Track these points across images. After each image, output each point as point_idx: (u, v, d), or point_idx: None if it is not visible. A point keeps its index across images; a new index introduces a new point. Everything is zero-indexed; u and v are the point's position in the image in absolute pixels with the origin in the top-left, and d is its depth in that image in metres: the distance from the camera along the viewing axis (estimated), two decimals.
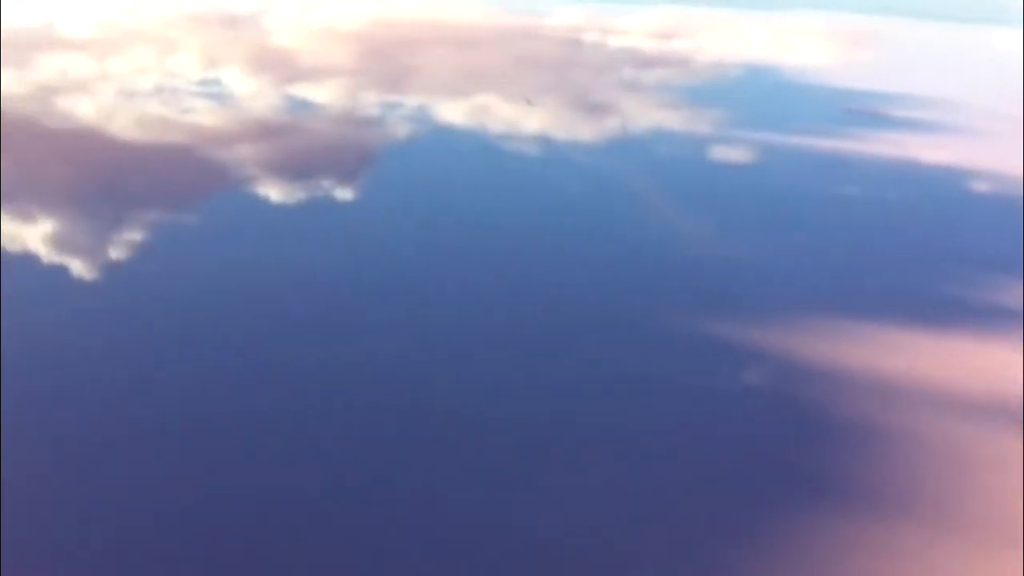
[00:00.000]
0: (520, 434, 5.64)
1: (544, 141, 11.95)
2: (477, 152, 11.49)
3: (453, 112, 12.92)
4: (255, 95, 12.86)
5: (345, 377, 6.19)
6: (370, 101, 13.08)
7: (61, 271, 7.40)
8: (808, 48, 21.56)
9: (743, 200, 10.09)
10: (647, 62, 17.29)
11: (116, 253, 7.80)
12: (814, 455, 5.51)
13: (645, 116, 13.51)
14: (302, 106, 12.58)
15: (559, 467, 5.33)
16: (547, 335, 6.87)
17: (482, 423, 5.72)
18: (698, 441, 5.61)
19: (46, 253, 7.66)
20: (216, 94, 12.73)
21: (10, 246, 7.77)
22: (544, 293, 7.56)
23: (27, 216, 8.29)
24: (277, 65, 14.42)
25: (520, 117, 12.97)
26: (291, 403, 5.84)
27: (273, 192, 9.37)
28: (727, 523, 4.92)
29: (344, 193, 9.56)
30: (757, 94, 15.92)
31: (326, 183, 9.75)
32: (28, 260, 7.55)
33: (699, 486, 5.22)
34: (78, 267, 7.46)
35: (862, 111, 14.65)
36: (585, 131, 12.56)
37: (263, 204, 9.11)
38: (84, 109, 11.53)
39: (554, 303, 7.40)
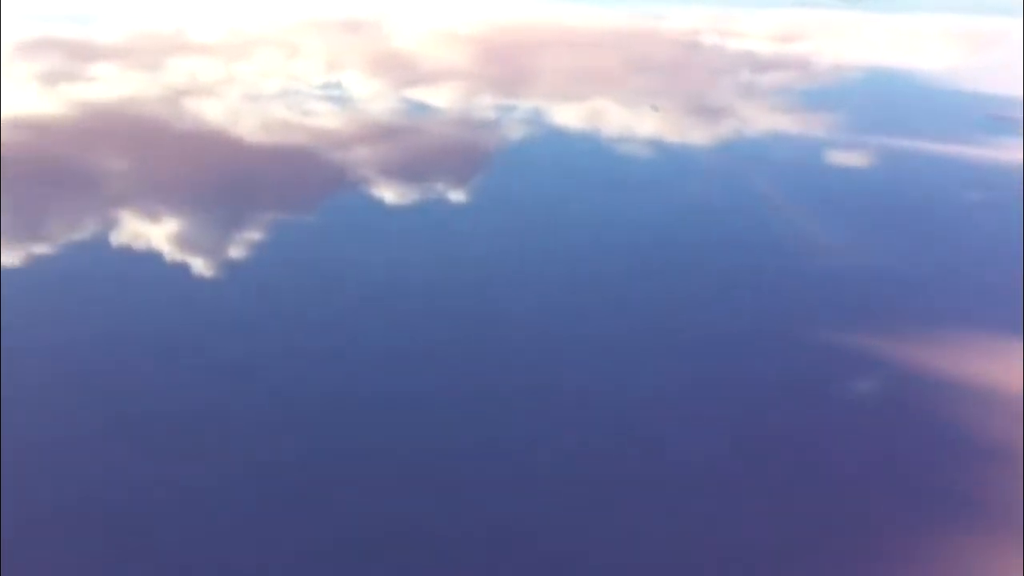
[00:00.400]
0: (640, 439, 5.69)
1: (660, 145, 11.93)
2: (592, 155, 11.52)
3: (568, 115, 12.99)
4: (374, 98, 13.12)
5: (454, 378, 6.31)
6: (486, 104, 13.23)
7: (183, 268, 7.69)
8: (936, 50, 21.11)
9: (868, 206, 9.92)
10: (766, 65, 17.14)
11: (236, 252, 8.07)
12: (950, 472, 5.40)
13: (764, 120, 13.40)
14: (419, 109, 12.78)
15: (683, 479, 5.35)
16: (666, 343, 6.89)
17: (598, 432, 5.78)
18: (829, 457, 5.57)
19: (169, 251, 7.96)
20: (337, 97, 13.03)
21: (136, 244, 8.10)
22: (662, 300, 7.57)
23: (153, 215, 8.62)
24: (396, 69, 14.68)
25: (636, 121, 12.98)
26: (398, 401, 5.98)
27: (388, 193, 9.56)
28: (860, 539, 4.89)
29: (458, 195, 9.71)
30: (882, 98, 15.63)
31: (440, 185, 9.92)
32: (151, 258, 7.86)
33: (830, 502, 5.21)
34: (199, 265, 7.74)
35: (1001, 116, 14.22)
36: (702, 135, 12.51)
37: (378, 205, 9.31)
38: (211, 112, 11.90)
39: (672, 309, 7.41)
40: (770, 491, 5.22)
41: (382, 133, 11.42)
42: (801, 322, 7.19)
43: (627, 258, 8.36)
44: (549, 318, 7.15)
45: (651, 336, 6.93)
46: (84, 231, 8.36)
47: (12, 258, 7.72)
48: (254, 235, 8.41)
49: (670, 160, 11.44)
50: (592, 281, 7.84)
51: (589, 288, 7.69)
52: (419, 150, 10.96)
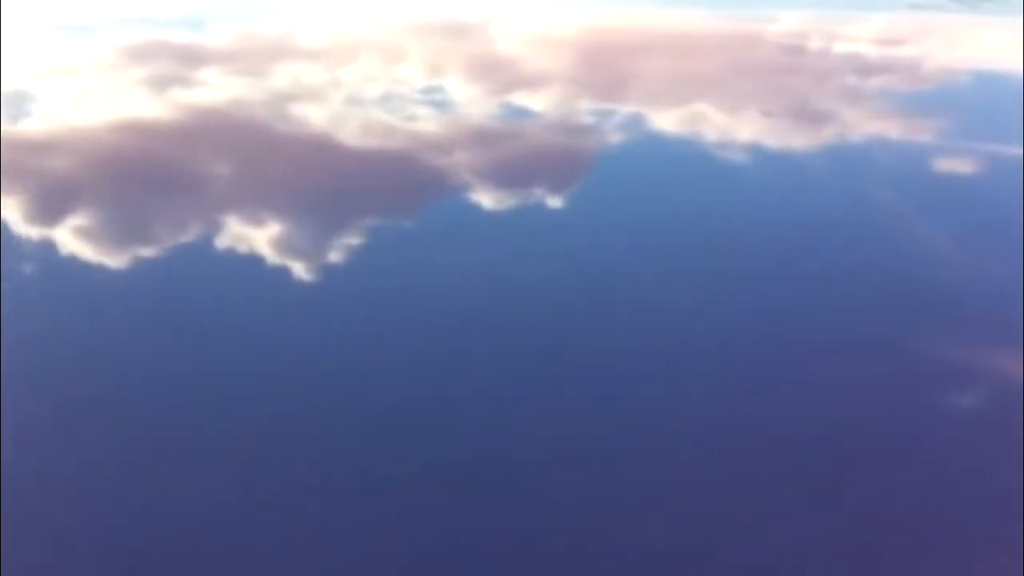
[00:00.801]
0: (747, 458, 5.64)
1: (761, 150, 11.79)
2: (692, 160, 11.43)
3: (668, 120, 12.90)
4: (474, 102, 13.16)
5: (562, 381, 6.34)
6: (585, 108, 13.20)
7: (283, 272, 7.81)
8: None
9: (976, 214, 9.71)
10: (875, 68, 16.81)
11: (335, 256, 8.17)
12: None
13: (871, 124, 13.15)
14: (519, 113, 12.80)
15: (793, 501, 5.30)
16: (770, 347, 6.83)
17: (703, 452, 5.74)
18: (932, 470, 5.52)
19: (270, 255, 8.08)
20: (438, 101, 13.10)
21: (239, 247, 8.24)
22: (765, 306, 7.50)
23: (256, 219, 8.76)
24: (497, 73, 14.71)
25: (739, 125, 12.85)
26: (502, 407, 6.02)
27: (486, 198, 9.59)
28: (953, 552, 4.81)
29: (556, 201, 9.70)
30: (994, 102, 15.24)
31: (539, 190, 9.92)
32: (254, 262, 7.99)
33: (930, 513, 5.14)
34: (299, 269, 7.84)
35: None
36: (807, 139, 12.34)
37: (476, 210, 9.34)
38: (314, 116, 12.06)
39: (775, 315, 7.34)
40: (867, 499, 5.16)
41: (482, 138, 11.47)
42: (906, 330, 7.06)
43: (730, 263, 8.29)
44: (650, 322, 7.14)
45: (755, 340, 6.89)
46: (189, 234, 8.53)
47: (119, 260, 7.91)
48: (354, 239, 8.50)
49: (773, 165, 11.30)
50: (692, 286, 7.79)
51: (689, 293, 7.65)
52: (518, 155, 10.98)
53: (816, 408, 6.06)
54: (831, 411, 6.02)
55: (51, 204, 8.97)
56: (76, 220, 8.62)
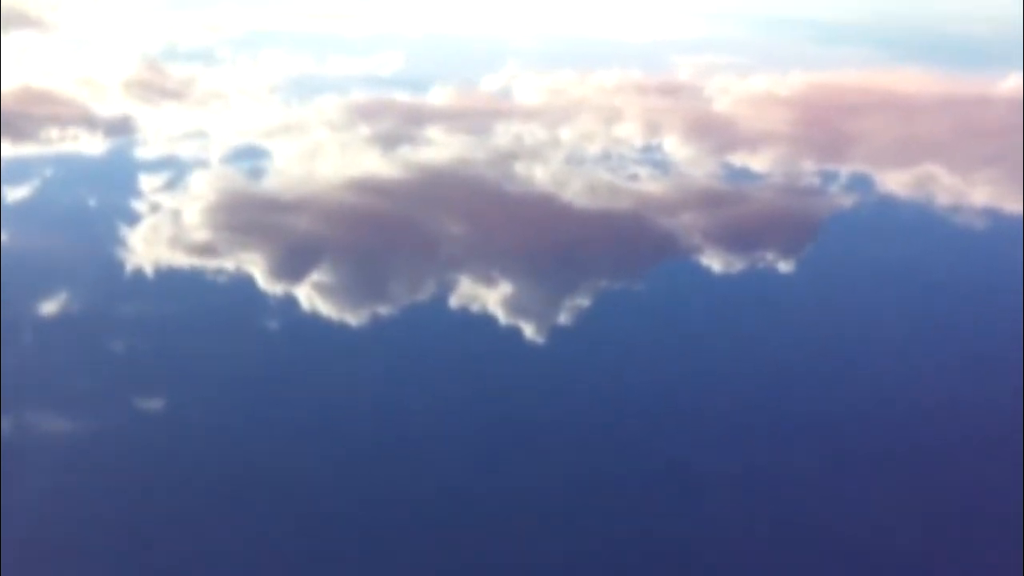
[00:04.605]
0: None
1: (994, 215, 11.38)
2: (923, 225, 11.14)
3: (896, 182, 12.56)
4: (695, 162, 13.09)
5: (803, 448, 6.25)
6: (810, 170, 12.98)
7: (515, 333, 7.91)
8: None
9: None
10: None
11: (563, 318, 8.25)
12: None
13: None
14: (741, 174, 12.67)
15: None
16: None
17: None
18: None
19: (502, 316, 8.21)
20: (658, 161, 13.08)
21: (472, 307, 8.40)
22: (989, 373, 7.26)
23: (488, 279, 8.91)
24: (716, 132, 14.60)
25: (967, 189, 12.43)
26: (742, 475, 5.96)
27: (715, 262, 9.53)
28: None
29: (786, 265, 9.57)
30: None
31: (769, 255, 9.78)
32: (486, 321, 8.13)
33: None
34: (529, 331, 7.94)
35: None
36: None
37: (705, 274, 9.30)
38: (537, 175, 12.19)
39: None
40: None
41: (705, 199, 11.40)
42: None
43: (961, 333, 8.07)
44: (886, 389, 7.06)
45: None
46: (423, 293, 8.73)
47: (358, 318, 8.16)
48: (582, 301, 8.57)
49: (1007, 230, 10.90)
50: (926, 355, 7.63)
51: (922, 363, 7.52)
52: (744, 217, 10.86)
53: None
54: None
55: (290, 261, 9.29)
56: (316, 276, 8.92)
